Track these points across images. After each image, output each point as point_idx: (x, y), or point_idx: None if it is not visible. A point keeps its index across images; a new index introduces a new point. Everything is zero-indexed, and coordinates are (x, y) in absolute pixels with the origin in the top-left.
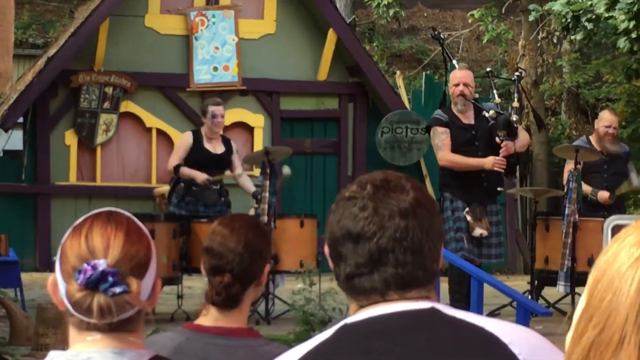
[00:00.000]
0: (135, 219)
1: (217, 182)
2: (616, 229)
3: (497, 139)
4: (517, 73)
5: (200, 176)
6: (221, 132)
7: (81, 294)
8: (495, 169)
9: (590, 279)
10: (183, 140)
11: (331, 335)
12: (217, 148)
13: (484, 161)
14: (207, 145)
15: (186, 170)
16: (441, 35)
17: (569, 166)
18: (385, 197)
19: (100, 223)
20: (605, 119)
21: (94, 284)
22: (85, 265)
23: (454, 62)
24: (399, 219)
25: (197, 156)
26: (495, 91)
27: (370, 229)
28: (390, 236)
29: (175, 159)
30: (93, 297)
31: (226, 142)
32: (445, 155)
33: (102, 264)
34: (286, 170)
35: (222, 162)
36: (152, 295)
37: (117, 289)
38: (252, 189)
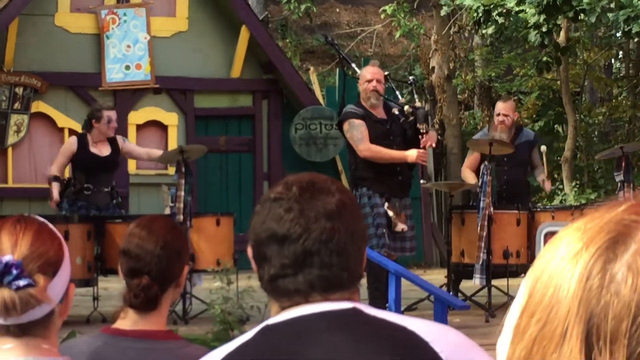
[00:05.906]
0: (49, 224)
1: (108, 184)
2: (549, 236)
3: (421, 131)
4: (411, 77)
5: (55, 197)
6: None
7: None
8: (419, 161)
9: (529, 279)
10: (66, 146)
11: (252, 337)
12: (104, 150)
13: (407, 154)
14: (93, 149)
15: (53, 187)
16: (335, 41)
17: (471, 158)
18: (311, 199)
19: (10, 223)
20: (497, 107)
21: None
22: None
23: (353, 65)
24: (325, 220)
25: (83, 161)
26: (416, 95)
27: (296, 230)
28: (316, 238)
29: (55, 166)
30: None
31: (112, 142)
32: (369, 146)
33: (7, 258)
34: None
35: (109, 164)
36: (65, 299)
37: (22, 282)
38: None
